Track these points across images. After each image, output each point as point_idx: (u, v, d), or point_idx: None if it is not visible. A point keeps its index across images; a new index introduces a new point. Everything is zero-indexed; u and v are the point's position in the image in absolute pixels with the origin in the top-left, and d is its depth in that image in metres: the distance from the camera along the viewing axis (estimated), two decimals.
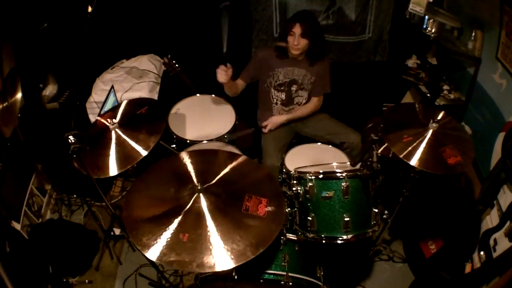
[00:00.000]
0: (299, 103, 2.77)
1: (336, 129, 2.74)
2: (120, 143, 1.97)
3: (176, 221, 1.44)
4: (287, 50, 2.55)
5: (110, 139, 1.98)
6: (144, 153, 1.91)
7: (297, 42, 2.45)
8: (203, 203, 1.51)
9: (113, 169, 1.89)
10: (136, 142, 1.96)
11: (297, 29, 2.42)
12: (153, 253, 1.36)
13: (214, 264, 1.29)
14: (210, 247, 1.34)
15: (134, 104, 2.23)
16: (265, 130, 2.75)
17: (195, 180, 1.63)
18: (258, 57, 2.69)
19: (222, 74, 2.45)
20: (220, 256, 1.32)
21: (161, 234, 1.40)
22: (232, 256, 1.30)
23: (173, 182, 1.65)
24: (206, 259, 1.31)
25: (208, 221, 1.44)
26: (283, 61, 2.62)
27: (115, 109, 2.23)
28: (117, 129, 2.00)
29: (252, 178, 1.70)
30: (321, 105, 2.81)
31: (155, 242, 1.38)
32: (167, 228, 1.42)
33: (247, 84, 2.74)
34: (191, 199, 1.52)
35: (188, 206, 1.50)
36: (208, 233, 1.39)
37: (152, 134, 1.97)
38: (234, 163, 1.73)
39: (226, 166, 1.71)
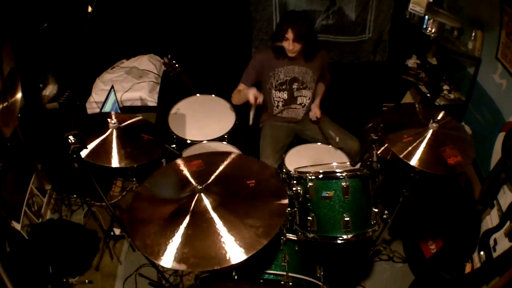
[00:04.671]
0: (302, 103, 2.77)
1: (335, 134, 2.73)
2: (107, 142, 1.99)
3: (184, 224, 1.45)
4: (285, 50, 2.55)
5: (104, 132, 2.01)
6: (115, 163, 1.92)
7: (292, 46, 2.47)
8: (206, 202, 1.53)
9: (84, 153, 1.87)
10: (118, 151, 1.96)
11: (289, 35, 2.43)
12: (167, 259, 1.35)
13: (229, 258, 1.32)
14: (221, 241, 1.37)
15: (145, 124, 2.22)
16: (318, 119, 2.74)
17: (193, 182, 1.64)
18: (257, 59, 2.69)
19: (258, 95, 2.52)
20: (232, 249, 1.34)
21: (170, 240, 1.40)
22: (243, 247, 1.34)
23: (173, 188, 1.67)
24: (219, 254, 1.33)
25: (214, 218, 1.46)
26: (282, 60, 2.62)
27: (129, 113, 2.28)
28: (114, 130, 2.01)
29: (248, 171, 1.73)
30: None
31: (165, 249, 1.38)
32: (175, 233, 1.42)
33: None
34: (193, 201, 1.53)
35: (191, 208, 1.51)
36: (217, 229, 1.42)
37: (138, 155, 1.98)
38: (228, 160, 1.77)
39: (220, 164, 1.74)
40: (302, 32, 2.42)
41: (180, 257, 1.34)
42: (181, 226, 1.43)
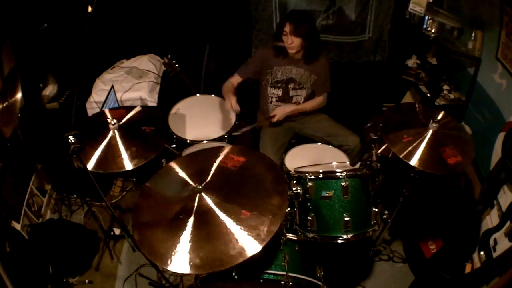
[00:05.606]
0: (297, 102, 2.77)
1: (335, 131, 2.73)
2: (111, 145, 1.94)
3: (189, 226, 1.44)
4: (285, 49, 2.55)
5: (106, 136, 1.96)
6: (128, 166, 1.87)
7: (290, 41, 2.46)
8: (208, 200, 1.52)
9: (91, 164, 1.86)
10: (127, 152, 1.91)
11: (288, 28, 2.43)
12: (177, 264, 1.33)
13: (245, 251, 1.29)
14: (232, 236, 1.35)
15: (145, 114, 2.18)
16: (274, 120, 2.66)
17: (191, 183, 1.63)
18: (258, 55, 2.71)
19: (234, 108, 2.59)
20: (245, 241, 1.32)
21: (177, 243, 1.38)
22: (257, 237, 1.31)
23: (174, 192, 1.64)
24: (232, 250, 1.31)
25: (219, 215, 1.46)
26: (282, 60, 2.62)
27: (127, 109, 2.20)
28: (115, 130, 1.98)
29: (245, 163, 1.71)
30: (325, 103, 2.81)
31: (173, 252, 1.36)
32: (182, 235, 1.41)
33: (242, 80, 2.72)
34: (195, 201, 1.53)
35: (195, 208, 1.50)
36: (224, 225, 1.40)
37: (144, 152, 1.93)
38: (222, 155, 1.75)
39: (215, 160, 1.72)
40: (300, 26, 2.42)
41: (190, 262, 1.31)
42: (186, 229, 1.41)
